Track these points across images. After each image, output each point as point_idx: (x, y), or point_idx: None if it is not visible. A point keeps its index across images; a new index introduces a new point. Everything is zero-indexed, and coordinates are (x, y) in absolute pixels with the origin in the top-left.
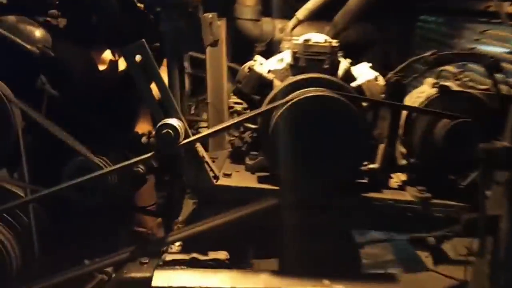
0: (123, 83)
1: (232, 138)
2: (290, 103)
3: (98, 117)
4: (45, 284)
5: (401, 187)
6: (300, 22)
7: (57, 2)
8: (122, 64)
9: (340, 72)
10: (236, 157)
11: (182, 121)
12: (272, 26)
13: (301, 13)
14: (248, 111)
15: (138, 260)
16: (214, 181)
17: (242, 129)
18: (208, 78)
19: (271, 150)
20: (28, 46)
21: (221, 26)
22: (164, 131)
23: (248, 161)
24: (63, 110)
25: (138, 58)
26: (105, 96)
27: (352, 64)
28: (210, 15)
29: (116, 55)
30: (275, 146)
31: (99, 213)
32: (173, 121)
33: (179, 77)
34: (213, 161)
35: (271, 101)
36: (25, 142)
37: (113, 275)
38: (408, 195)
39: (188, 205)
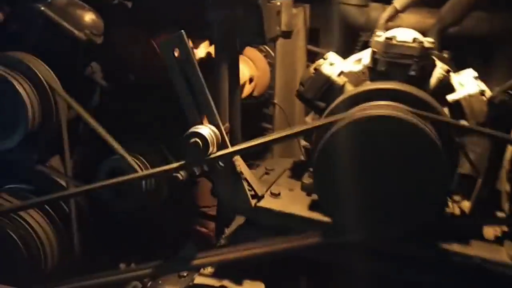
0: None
1: (306, 144)
2: (344, 122)
3: (149, 110)
4: (75, 285)
5: (499, 240)
6: (397, 12)
7: None
8: (200, 52)
9: (433, 81)
10: (299, 170)
11: (219, 128)
12: (382, 12)
13: (399, 0)
14: None
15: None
16: (254, 201)
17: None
18: (277, 75)
19: (319, 174)
20: (76, 32)
21: (298, 15)
22: (192, 140)
23: (305, 178)
24: (112, 101)
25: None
26: (166, 86)
27: (455, 70)
28: (278, 2)
29: (190, 41)
30: (323, 170)
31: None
32: (204, 130)
33: (231, 75)
34: (268, 173)
35: (331, 113)
36: (68, 135)
37: (149, 284)
38: (505, 253)
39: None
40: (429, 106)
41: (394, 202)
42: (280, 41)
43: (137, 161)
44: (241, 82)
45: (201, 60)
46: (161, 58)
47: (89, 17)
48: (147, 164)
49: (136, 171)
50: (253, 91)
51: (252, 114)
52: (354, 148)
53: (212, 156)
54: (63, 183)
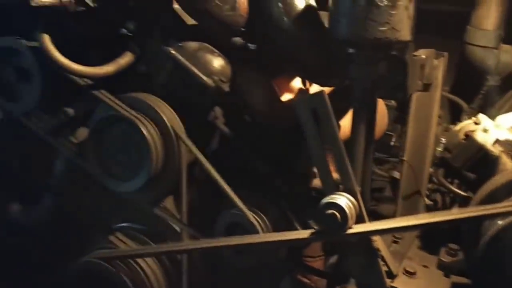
0: None
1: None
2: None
3: (270, 161)
4: None
5: None
6: None
7: (242, 30)
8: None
9: None
10: (429, 238)
11: (357, 199)
12: None
13: None
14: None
15: None
16: (389, 281)
17: None
18: (409, 129)
19: (478, 271)
20: (204, 78)
21: (439, 66)
22: (329, 211)
23: (443, 255)
24: (231, 147)
25: None
26: (286, 133)
27: None
28: (423, 55)
29: (307, 83)
30: (486, 269)
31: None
32: (342, 200)
33: (368, 135)
34: (396, 242)
35: (491, 196)
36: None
37: None
38: None
39: None
40: None
41: None
42: (416, 94)
43: (257, 218)
44: None
45: None
46: (281, 102)
47: (218, 63)
48: (267, 222)
49: (257, 231)
50: None
51: None
52: None
53: (351, 232)
54: (177, 229)
